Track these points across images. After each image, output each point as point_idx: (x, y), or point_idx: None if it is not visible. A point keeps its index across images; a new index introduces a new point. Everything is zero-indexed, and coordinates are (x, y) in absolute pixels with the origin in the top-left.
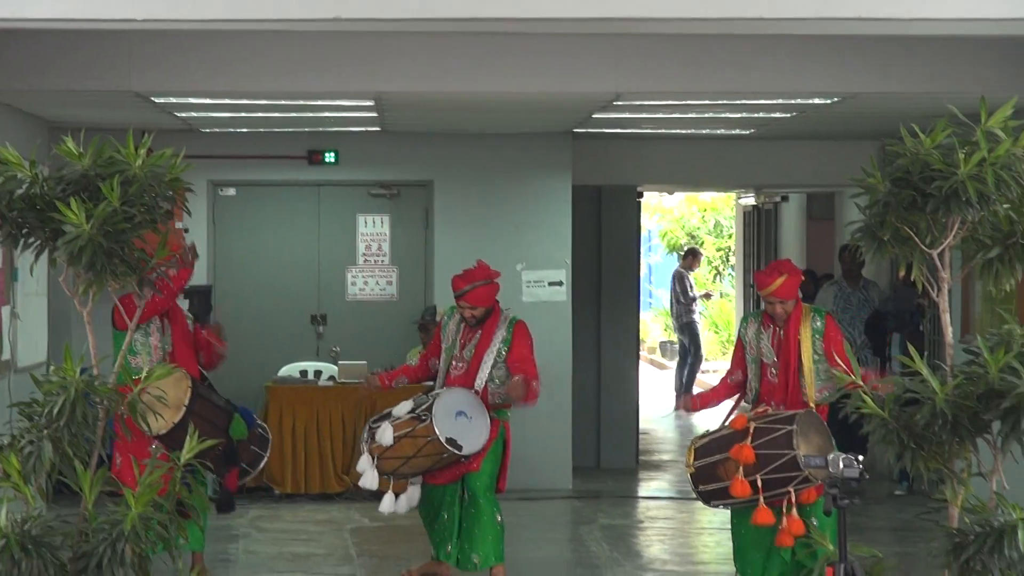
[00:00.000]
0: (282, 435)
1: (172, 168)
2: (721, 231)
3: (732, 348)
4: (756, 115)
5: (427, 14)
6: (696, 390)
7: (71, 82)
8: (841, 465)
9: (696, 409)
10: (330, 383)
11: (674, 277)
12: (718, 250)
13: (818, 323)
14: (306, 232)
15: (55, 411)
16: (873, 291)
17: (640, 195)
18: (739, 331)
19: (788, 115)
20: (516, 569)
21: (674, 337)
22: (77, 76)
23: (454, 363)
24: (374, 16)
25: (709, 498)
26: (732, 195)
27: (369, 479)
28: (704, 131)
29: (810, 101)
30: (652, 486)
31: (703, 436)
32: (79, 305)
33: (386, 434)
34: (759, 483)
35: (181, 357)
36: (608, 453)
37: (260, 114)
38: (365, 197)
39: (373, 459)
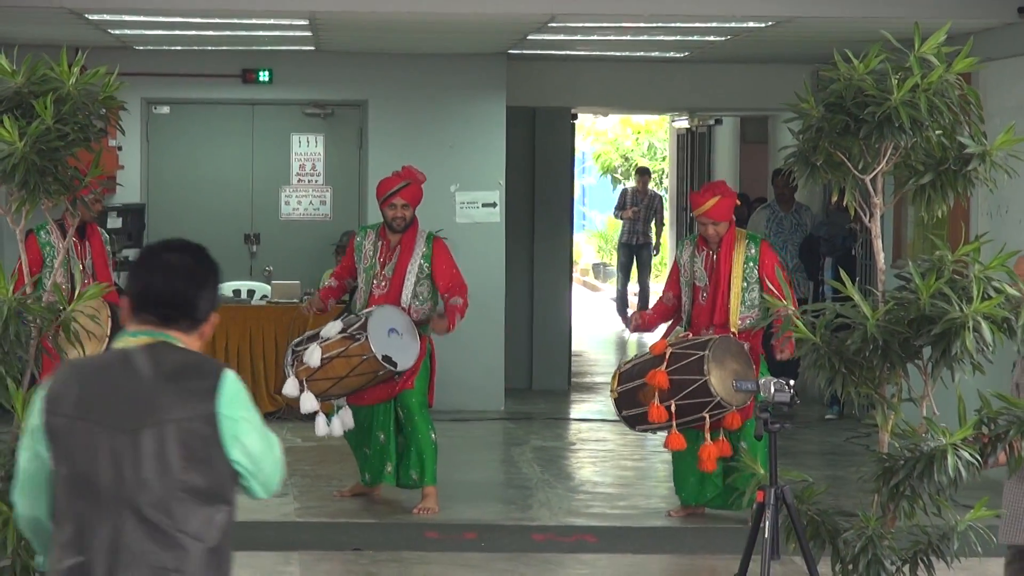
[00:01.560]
0: (215, 354)
1: (106, 86)
2: (655, 153)
3: (667, 269)
4: (690, 38)
5: None
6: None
7: None
8: (772, 389)
9: (646, 328)
10: (263, 302)
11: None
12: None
13: (752, 250)
14: (240, 151)
15: None
16: (806, 215)
17: (574, 117)
18: (675, 254)
19: (722, 38)
20: (448, 491)
21: (608, 259)
22: None
23: (375, 282)
24: None
25: (632, 423)
26: (666, 118)
27: (307, 402)
28: (639, 53)
29: (744, 24)
30: (584, 408)
31: (628, 361)
32: (12, 222)
33: (314, 355)
34: (672, 408)
35: (101, 278)
36: (541, 375)
37: (194, 32)
38: (299, 116)
39: (301, 382)
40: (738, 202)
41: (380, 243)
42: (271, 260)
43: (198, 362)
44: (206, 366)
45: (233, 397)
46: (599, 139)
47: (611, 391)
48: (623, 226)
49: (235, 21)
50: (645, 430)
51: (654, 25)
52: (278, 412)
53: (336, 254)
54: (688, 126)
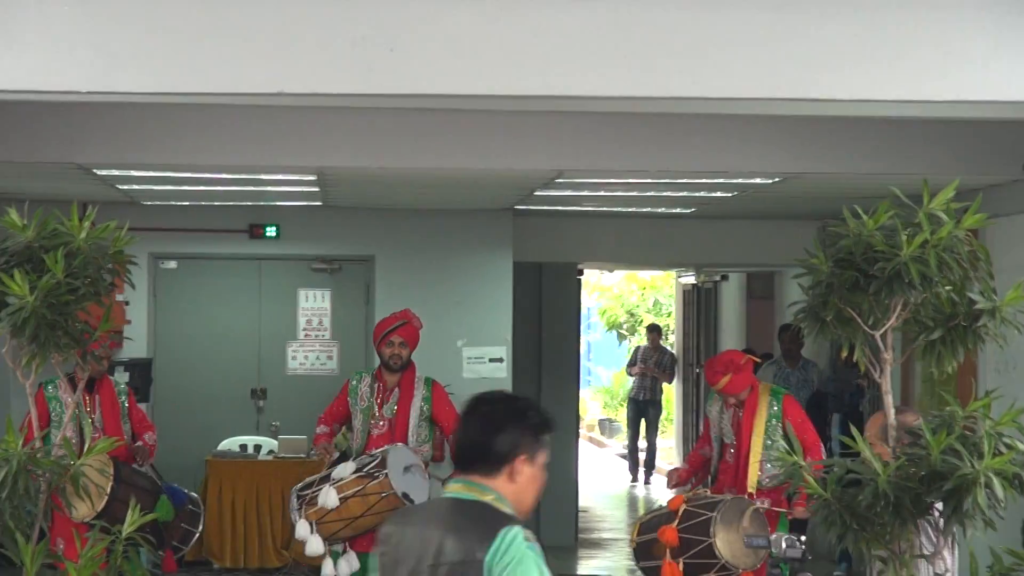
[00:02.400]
0: (222, 509)
1: (116, 241)
2: (660, 309)
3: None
4: (697, 194)
5: (371, 90)
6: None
7: (13, 154)
8: (784, 545)
9: (683, 483)
10: (270, 457)
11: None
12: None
13: (775, 407)
14: (247, 306)
15: None
16: (812, 371)
17: (580, 272)
18: (706, 408)
19: (729, 194)
20: None
21: (613, 415)
22: (19, 148)
23: (372, 422)
24: (318, 91)
25: (650, 574)
26: (672, 274)
27: (314, 545)
28: (645, 209)
29: (751, 181)
30: (592, 564)
31: (648, 513)
32: (22, 377)
33: (330, 496)
34: (681, 567)
35: (110, 432)
36: (548, 530)
37: (201, 187)
38: (306, 272)
39: (312, 525)
40: (757, 359)
41: (376, 384)
42: (278, 415)
43: (487, 515)
44: (492, 520)
45: (504, 551)
46: (604, 295)
47: (631, 540)
48: (633, 382)
49: (243, 177)
50: None
51: (661, 181)
52: (285, 568)
53: None
54: (695, 282)
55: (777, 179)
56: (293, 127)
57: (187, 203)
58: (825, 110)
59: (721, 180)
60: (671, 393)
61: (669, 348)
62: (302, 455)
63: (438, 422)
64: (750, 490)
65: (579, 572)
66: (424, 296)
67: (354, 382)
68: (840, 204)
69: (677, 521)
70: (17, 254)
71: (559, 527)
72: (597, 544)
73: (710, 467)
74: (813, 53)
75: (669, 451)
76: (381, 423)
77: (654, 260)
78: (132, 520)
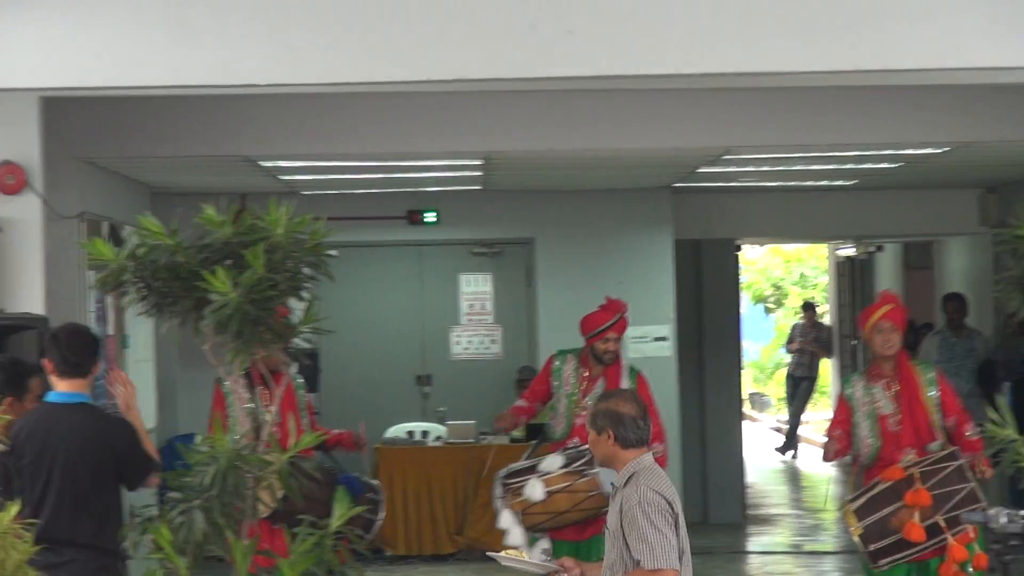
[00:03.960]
0: (393, 496)
1: (314, 234)
2: (806, 282)
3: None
4: (862, 166)
5: (549, 73)
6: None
7: (182, 148)
8: (1004, 520)
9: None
10: (439, 443)
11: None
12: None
13: (930, 374)
14: (408, 292)
15: (206, 481)
16: (978, 340)
17: (738, 248)
18: (844, 392)
19: (895, 165)
20: None
21: (763, 389)
22: (187, 142)
23: (576, 411)
24: (497, 76)
25: (879, 556)
26: (821, 245)
27: (516, 536)
28: (806, 183)
29: (920, 151)
30: (762, 540)
31: (856, 497)
32: (224, 374)
33: (536, 489)
34: (942, 523)
35: (286, 427)
36: (716, 508)
37: (362, 175)
38: (467, 256)
39: (516, 515)
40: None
41: (581, 371)
42: (443, 400)
43: None
44: None
45: None
46: (749, 268)
47: (852, 529)
48: (791, 358)
49: (404, 164)
50: (893, 561)
51: (829, 155)
52: (458, 553)
53: (517, 389)
54: (850, 254)
55: (947, 148)
56: (461, 112)
57: (346, 191)
58: (995, 78)
59: (889, 152)
60: (826, 368)
61: (825, 323)
62: (471, 440)
63: None
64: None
65: (748, 548)
66: (585, 277)
67: (558, 363)
68: (1002, 171)
69: (919, 484)
70: (216, 250)
71: (727, 504)
72: (765, 520)
73: (852, 448)
74: (981, 22)
75: (823, 423)
76: (585, 413)
77: (813, 233)
78: (341, 514)
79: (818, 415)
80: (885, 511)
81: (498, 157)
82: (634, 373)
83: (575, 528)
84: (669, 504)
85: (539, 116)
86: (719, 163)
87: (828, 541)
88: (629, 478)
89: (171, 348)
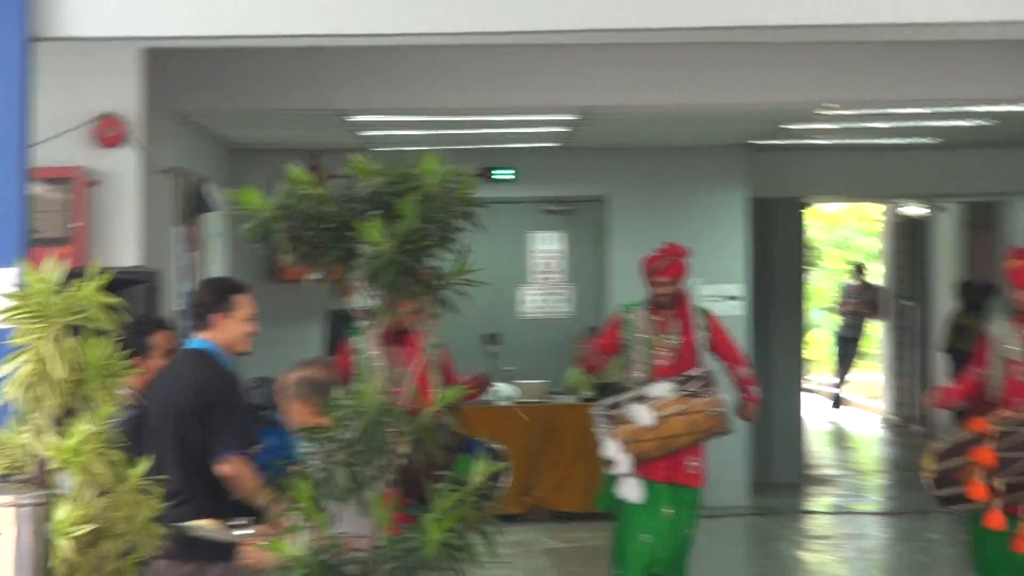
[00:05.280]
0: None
1: (464, 184)
2: (846, 243)
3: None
4: (952, 123)
5: (645, 24)
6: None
7: (273, 101)
8: None
9: (945, 404)
10: (509, 403)
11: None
12: (846, 263)
13: None
14: (479, 250)
15: (352, 435)
16: None
17: (804, 207)
18: (988, 329)
19: (987, 123)
20: None
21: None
22: (278, 96)
23: (654, 352)
24: (594, 27)
25: (946, 503)
26: (864, 207)
27: (623, 464)
28: (879, 141)
29: (1016, 108)
30: (822, 502)
31: (943, 441)
32: (368, 328)
33: (645, 415)
34: (1000, 487)
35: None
36: (778, 469)
37: (439, 131)
38: (539, 214)
39: (623, 444)
40: None
41: (652, 316)
42: (512, 360)
43: None
44: None
45: None
46: None
47: (926, 471)
48: (843, 320)
49: (480, 119)
50: (959, 510)
51: (926, 111)
52: (527, 513)
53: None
54: (909, 214)
55: None
56: (558, 66)
57: (421, 148)
58: None
59: (986, 108)
60: (875, 329)
61: (876, 284)
62: (542, 399)
63: (718, 352)
64: None
65: (809, 508)
66: (658, 235)
67: (625, 314)
68: None
69: (993, 442)
70: (364, 200)
71: (787, 465)
72: (823, 480)
73: (986, 391)
74: None
75: (874, 385)
76: (665, 353)
77: (882, 192)
78: (481, 470)
79: (861, 376)
80: (957, 461)
81: (595, 112)
82: (705, 313)
83: (657, 465)
84: None
85: (637, 70)
86: (810, 119)
87: (884, 502)
88: None
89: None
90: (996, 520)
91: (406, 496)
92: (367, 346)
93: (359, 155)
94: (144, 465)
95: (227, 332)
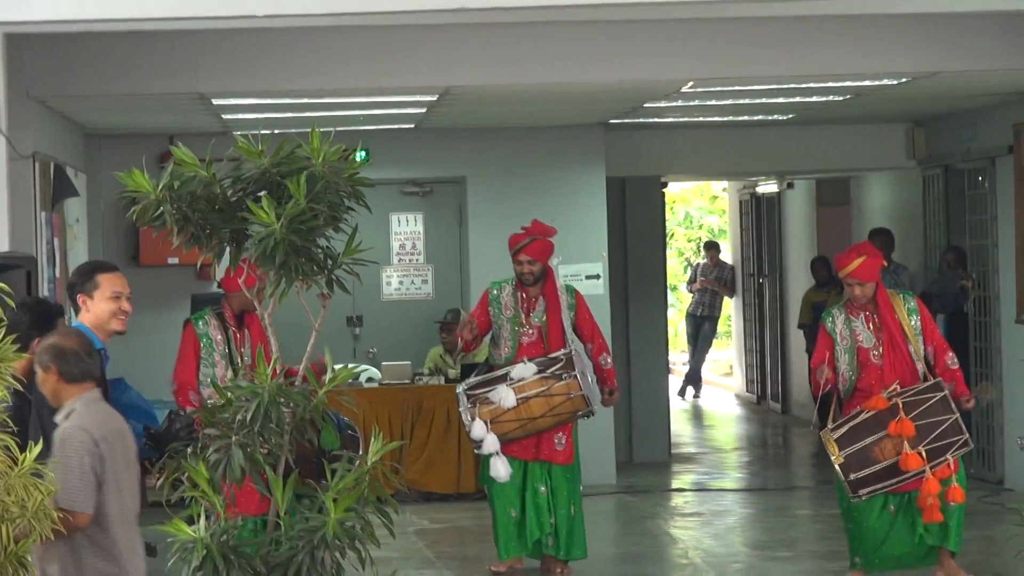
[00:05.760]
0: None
1: (351, 164)
2: (691, 222)
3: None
4: (809, 99)
5: (504, 3)
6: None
7: (132, 86)
8: None
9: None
10: (374, 385)
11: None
12: (688, 241)
13: (911, 303)
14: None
15: (248, 417)
16: (904, 275)
17: (664, 186)
18: (825, 325)
19: (842, 98)
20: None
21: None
22: (139, 80)
23: (521, 330)
24: (452, 7)
25: (860, 486)
26: (709, 186)
27: (490, 443)
28: (741, 117)
29: (878, 83)
30: (687, 479)
31: (837, 427)
32: (259, 307)
33: (508, 396)
34: (923, 455)
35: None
36: (642, 448)
37: (295, 114)
38: (397, 195)
39: (487, 424)
40: (884, 263)
41: (519, 294)
42: (374, 341)
43: None
44: None
45: None
46: None
47: (833, 456)
48: (692, 298)
49: (338, 101)
50: (873, 491)
51: (786, 87)
52: (395, 494)
53: (441, 332)
54: (761, 191)
55: (904, 80)
56: (417, 46)
57: (277, 131)
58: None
59: (847, 84)
60: (728, 305)
61: (728, 263)
62: (406, 381)
63: (581, 332)
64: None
65: (676, 486)
66: (517, 214)
67: (494, 292)
68: (936, 105)
69: (902, 413)
70: (253, 181)
71: (653, 443)
72: (688, 459)
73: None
74: None
75: (725, 364)
76: (530, 331)
77: (739, 170)
78: (377, 449)
79: (722, 354)
80: (868, 440)
81: (454, 93)
82: (572, 291)
83: (527, 444)
84: (97, 443)
85: (498, 50)
86: (671, 97)
87: (748, 479)
88: (69, 414)
89: None
90: (932, 486)
91: (300, 476)
92: (209, 329)
93: (240, 137)
94: (36, 450)
95: (94, 312)
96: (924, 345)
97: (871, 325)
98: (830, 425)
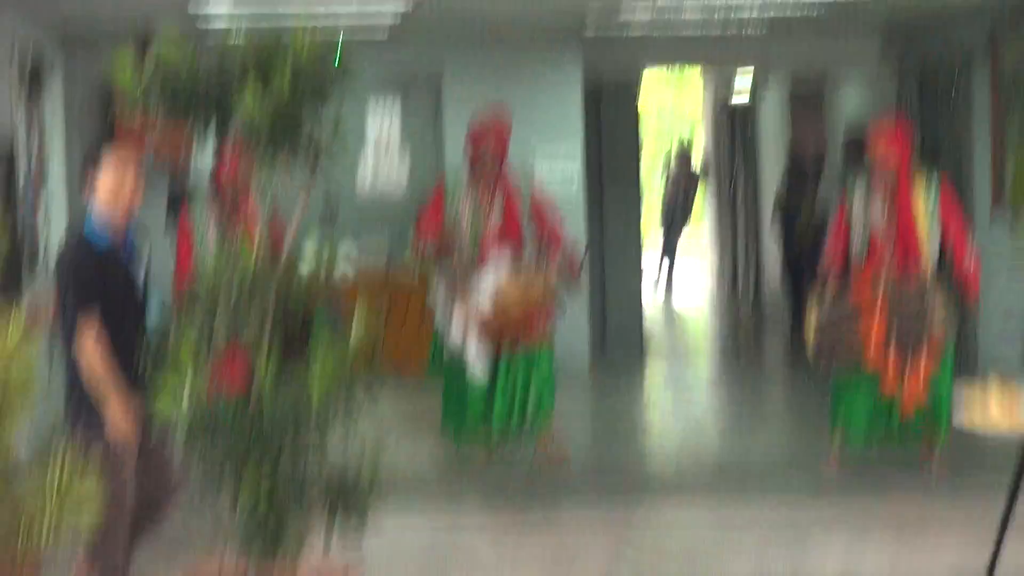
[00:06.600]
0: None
1: (335, 53)
2: (668, 133)
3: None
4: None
5: None
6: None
7: None
8: None
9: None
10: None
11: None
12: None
13: (933, 189)
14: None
15: (232, 293)
16: None
17: (638, 94)
18: (846, 200)
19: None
20: None
21: None
22: None
23: (478, 221)
24: None
25: (831, 364)
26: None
27: (466, 340)
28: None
29: None
30: (662, 372)
31: (822, 309)
32: (251, 190)
33: (481, 295)
34: (892, 354)
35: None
36: (615, 346)
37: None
38: (375, 91)
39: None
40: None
41: (475, 184)
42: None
43: None
44: None
45: None
46: None
47: (806, 335)
48: (668, 192)
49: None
50: (845, 369)
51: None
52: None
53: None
54: (736, 102)
55: None
56: None
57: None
58: None
59: None
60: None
61: (696, 173)
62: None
63: (535, 219)
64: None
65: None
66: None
67: (451, 183)
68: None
69: (880, 301)
70: (241, 68)
71: (627, 342)
72: (663, 358)
73: (850, 257)
74: None
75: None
76: (488, 221)
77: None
78: (359, 328)
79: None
80: (842, 328)
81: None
82: (529, 184)
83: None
84: None
85: None
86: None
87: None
88: None
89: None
90: (892, 386)
91: (286, 352)
92: (202, 218)
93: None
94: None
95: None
96: (943, 236)
97: (887, 204)
98: (814, 310)
